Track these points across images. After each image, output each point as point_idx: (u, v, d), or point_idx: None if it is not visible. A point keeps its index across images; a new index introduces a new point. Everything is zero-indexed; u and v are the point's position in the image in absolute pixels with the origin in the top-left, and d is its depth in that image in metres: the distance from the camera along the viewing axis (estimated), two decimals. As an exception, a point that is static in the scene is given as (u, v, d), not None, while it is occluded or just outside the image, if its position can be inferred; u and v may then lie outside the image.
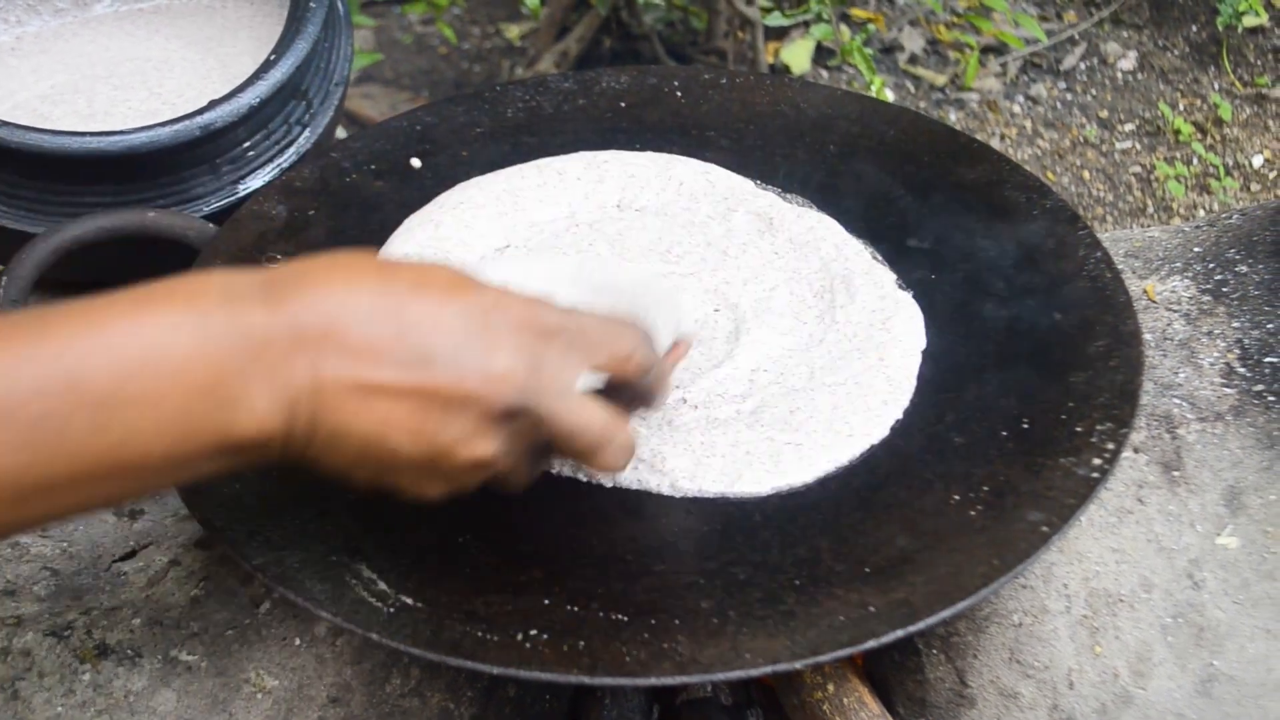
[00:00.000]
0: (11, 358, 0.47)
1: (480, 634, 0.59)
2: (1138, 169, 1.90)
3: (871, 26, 2.06)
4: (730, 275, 0.82)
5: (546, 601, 0.61)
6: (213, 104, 0.93)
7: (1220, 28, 2.01)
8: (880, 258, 0.83)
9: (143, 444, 0.49)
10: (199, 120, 0.92)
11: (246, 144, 0.97)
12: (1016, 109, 2.00)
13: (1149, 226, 1.39)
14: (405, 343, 0.52)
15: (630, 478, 0.68)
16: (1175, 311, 0.92)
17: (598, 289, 0.63)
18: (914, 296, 0.80)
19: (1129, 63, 2.08)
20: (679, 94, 0.99)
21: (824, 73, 1.99)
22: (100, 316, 0.49)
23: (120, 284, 0.54)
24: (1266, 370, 0.87)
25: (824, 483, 0.69)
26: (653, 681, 0.57)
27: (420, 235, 0.85)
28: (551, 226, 0.87)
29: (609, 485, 0.69)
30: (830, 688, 0.74)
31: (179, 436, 0.50)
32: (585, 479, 0.69)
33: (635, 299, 0.63)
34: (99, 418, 0.48)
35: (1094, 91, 2.03)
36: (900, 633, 0.58)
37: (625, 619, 0.60)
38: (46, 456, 0.47)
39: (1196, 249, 0.97)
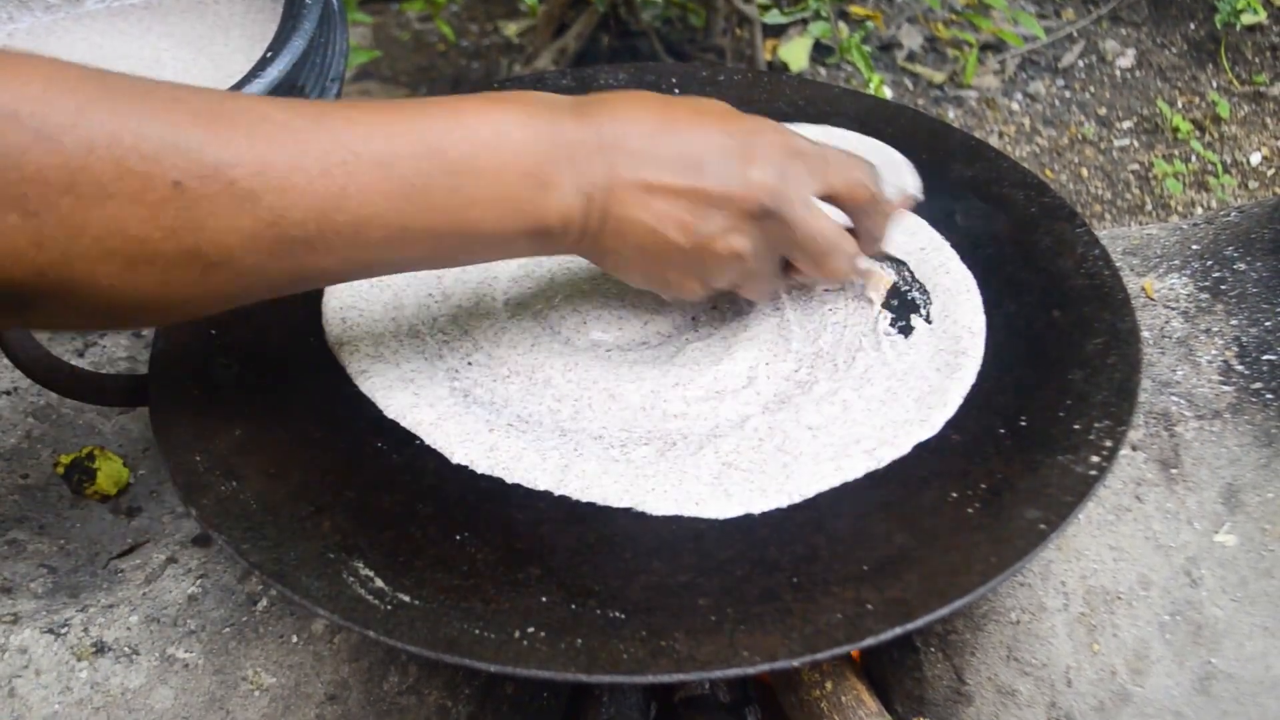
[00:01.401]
0: (390, 127, 0.59)
1: (477, 631, 0.59)
2: (1136, 166, 1.90)
3: (870, 24, 2.05)
4: None
5: (544, 599, 0.61)
6: (210, 101, 0.93)
7: (1219, 25, 2.01)
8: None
9: (480, 212, 0.61)
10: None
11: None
12: (1015, 106, 2.00)
13: (1147, 224, 1.39)
14: (682, 154, 0.64)
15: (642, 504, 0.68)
16: (1173, 309, 0.92)
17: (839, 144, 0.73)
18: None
19: (1127, 60, 2.08)
20: (677, 91, 0.99)
21: (822, 70, 1.99)
22: (458, 106, 0.61)
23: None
24: (1264, 368, 0.87)
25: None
26: (650, 679, 0.57)
27: None
28: None
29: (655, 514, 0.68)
30: (828, 685, 0.74)
31: (507, 210, 0.62)
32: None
33: (870, 156, 0.73)
34: (454, 182, 0.60)
35: (1092, 89, 2.03)
36: (898, 630, 0.58)
37: (622, 616, 0.60)
38: (415, 208, 0.59)
39: (1195, 246, 0.97)
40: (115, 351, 0.98)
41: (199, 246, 0.55)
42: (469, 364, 0.76)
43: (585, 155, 0.63)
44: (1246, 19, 1.99)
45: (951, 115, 1.97)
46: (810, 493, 0.67)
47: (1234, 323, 0.90)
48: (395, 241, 0.60)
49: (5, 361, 0.81)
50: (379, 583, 0.62)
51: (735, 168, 0.65)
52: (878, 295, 0.79)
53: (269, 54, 0.96)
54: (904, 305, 0.78)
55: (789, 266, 0.72)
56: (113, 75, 0.55)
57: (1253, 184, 1.86)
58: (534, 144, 0.62)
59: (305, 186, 0.56)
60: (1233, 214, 1.00)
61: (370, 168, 0.58)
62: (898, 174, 0.76)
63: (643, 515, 0.67)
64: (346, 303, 0.80)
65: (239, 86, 0.94)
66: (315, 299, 0.80)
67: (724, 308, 0.79)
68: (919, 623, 0.58)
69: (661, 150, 0.64)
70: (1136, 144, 1.93)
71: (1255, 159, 1.90)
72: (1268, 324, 0.89)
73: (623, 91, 0.67)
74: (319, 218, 0.57)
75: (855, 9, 2.06)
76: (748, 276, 0.69)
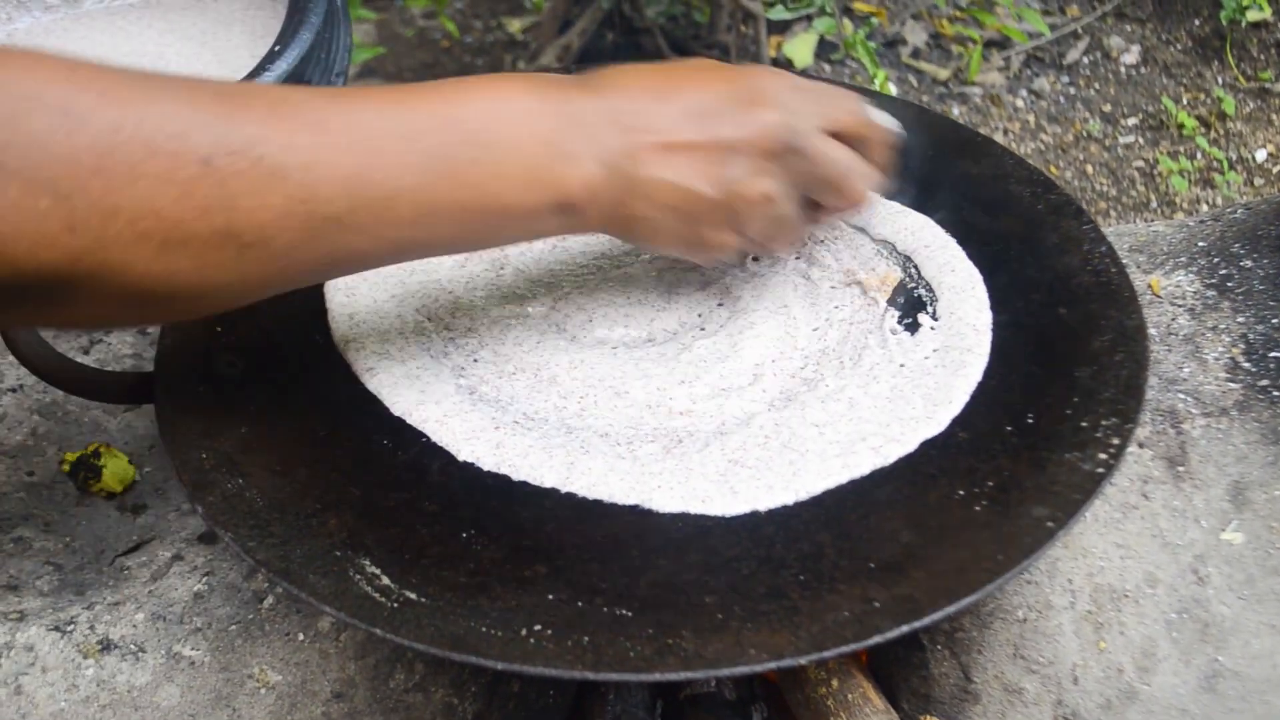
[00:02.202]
0: (410, 105, 0.60)
1: (484, 629, 0.59)
2: (1141, 163, 1.90)
3: (874, 20, 2.05)
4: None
5: (550, 597, 0.61)
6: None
7: (1224, 22, 2.01)
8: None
9: (504, 184, 0.62)
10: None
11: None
12: (1019, 103, 2.00)
13: (1153, 221, 1.39)
14: (692, 110, 0.65)
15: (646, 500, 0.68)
16: (1180, 306, 0.92)
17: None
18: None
19: (1132, 57, 2.07)
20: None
21: (826, 67, 1.99)
22: (467, 84, 0.63)
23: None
24: (1271, 365, 0.86)
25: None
26: (657, 677, 0.57)
27: None
28: None
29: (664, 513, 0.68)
30: (834, 683, 0.74)
31: (528, 183, 0.62)
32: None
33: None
34: (475, 153, 0.60)
35: (1097, 85, 2.03)
36: (905, 628, 0.58)
37: (629, 614, 0.60)
38: (439, 179, 0.60)
39: (1201, 243, 0.97)
40: (121, 349, 0.98)
41: (232, 226, 0.55)
42: (475, 361, 0.76)
43: (599, 124, 0.64)
44: (1252, 15, 1.99)
45: (956, 112, 1.96)
46: (817, 490, 0.67)
47: (1241, 320, 0.90)
48: (425, 218, 0.60)
49: (11, 359, 0.81)
50: (385, 580, 0.62)
51: (746, 113, 0.66)
52: (883, 294, 0.78)
53: (276, 48, 0.96)
54: (910, 303, 0.78)
55: (811, 209, 0.73)
56: (130, 68, 0.55)
57: (1258, 181, 1.86)
58: (547, 115, 0.63)
59: (331, 161, 0.57)
60: (1239, 211, 1.00)
61: (392, 141, 0.59)
62: (880, 114, 0.78)
63: (649, 513, 0.67)
64: (352, 299, 0.80)
65: (250, 79, 0.94)
66: (320, 296, 0.80)
67: (729, 305, 0.79)
68: (926, 620, 0.58)
69: (672, 111, 0.65)
70: (1141, 141, 1.93)
71: (1261, 155, 1.90)
72: (1274, 321, 0.89)
73: (619, 65, 0.68)
74: (347, 193, 0.57)
75: (860, 5, 2.06)
76: (777, 220, 0.70)
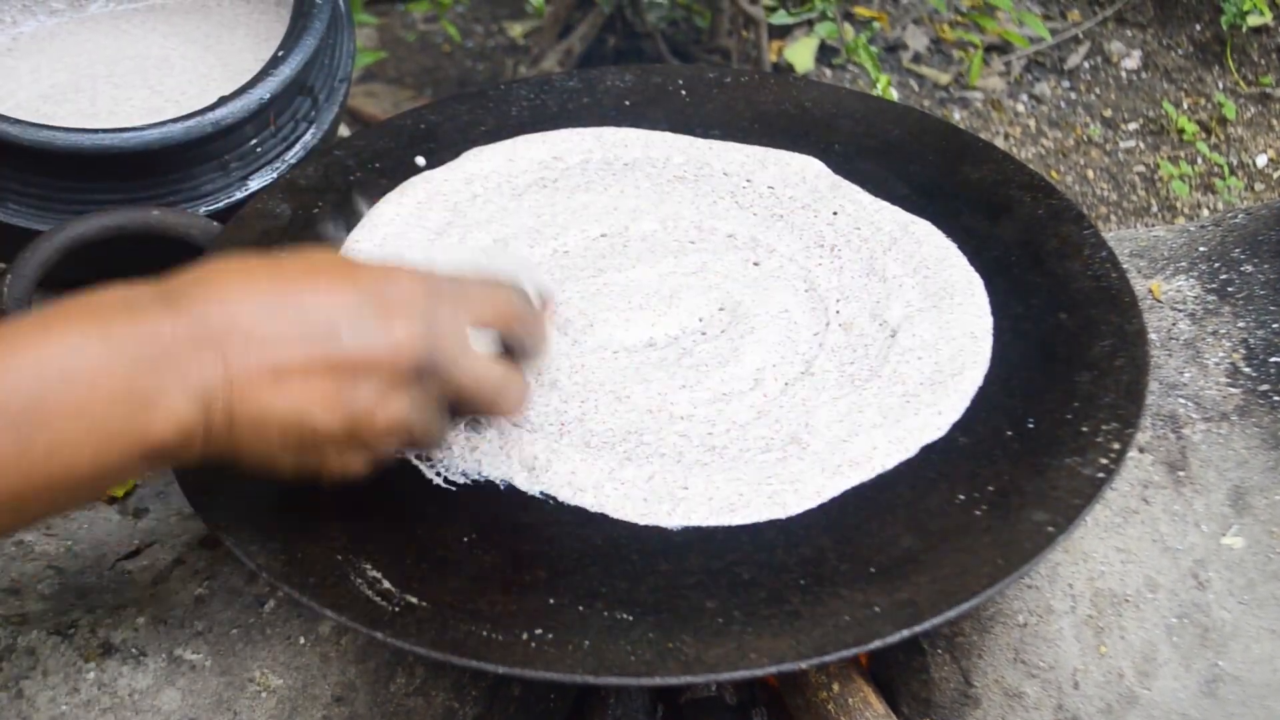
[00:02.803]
0: None
1: (485, 633, 0.59)
2: (1142, 168, 1.90)
3: (876, 25, 2.05)
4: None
5: (551, 601, 0.61)
6: (224, 100, 0.93)
7: (1224, 27, 2.01)
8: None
9: (68, 456, 0.51)
10: (211, 116, 0.92)
11: (254, 141, 0.97)
12: (1020, 108, 2.00)
13: (1154, 226, 1.39)
14: (309, 324, 0.56)
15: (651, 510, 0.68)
16: (1180, 311, 0.92)
17: (462, 264, 0.67)
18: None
19: (1133, 62, 2.07)
20: (683, 93, 0.99)
21: (828, 71, 1.99)
22: (8, 342, 0.52)
23: (125, 281, 0.54)
24: (1272, 370, 0.86)
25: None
26: (658, 681, 0.57)
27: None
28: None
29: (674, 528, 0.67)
30: (835, 687, 0.74)
31: (102, 444, 0.52)
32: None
33: (498, 267, 0.68)
34: (24, 434, 0.50)
35: (1098, 90, 2.03)
36: (905, 633, 0.58)
37: (630, 618, 0.60)
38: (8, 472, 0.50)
39: (1202, 248, 0.97)
40: (122, 352, 0.98)
41: None
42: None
43: (187, 354, 0.54)
44: (1252, 20, 1.99)
45: (957, 116, 1.96)
46: (818, 495, 0.67)
47: (1241, 325, 0.90)
48: None
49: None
50: (386, 584, 0.62)
51: (375, 327, 0.57)
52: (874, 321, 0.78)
53: (280, 52, 0.96)
54: (910, 307, 0.78)
55: (458, 409, 0.66)
56: None
57: (1259, 186, 1.86)
58: (116, 360, 0.52)
59: None
60: (1240, 216, 1.00)
61: None
62: (529, 272, 0.72)
63: (650, 518, 0.67)
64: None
65: (251, 85, 0.94)
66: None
67: (730, 309, 0.79)
68: (927, 625, 0.58)
69: (283, 324, 0.56)
70: (1142, 146, 1.93)
71: (1261, 161, 1.90)
72: (1275, 326, 0.89)
73: (216, 264, 0.58)
74: None
75: (860, 10, 2.06)
76: (414, 436, 0.63)
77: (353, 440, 0.59)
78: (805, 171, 0.89)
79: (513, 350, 0.67)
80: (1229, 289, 0.92)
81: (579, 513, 0.67)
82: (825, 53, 1.99)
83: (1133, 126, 1.97)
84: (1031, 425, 0.70)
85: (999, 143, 1.90)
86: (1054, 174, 1.88)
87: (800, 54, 1.91)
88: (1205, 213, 1.82)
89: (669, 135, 0.94)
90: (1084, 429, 0.68)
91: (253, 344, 0.55)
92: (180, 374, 0.53)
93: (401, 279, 0.60)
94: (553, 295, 0.73)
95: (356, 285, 0.59)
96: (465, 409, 0.65)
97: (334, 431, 0.58)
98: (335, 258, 0.61)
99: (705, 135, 0.95)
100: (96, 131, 0.90)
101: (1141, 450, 0.83)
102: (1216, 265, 0.95)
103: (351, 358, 0.57)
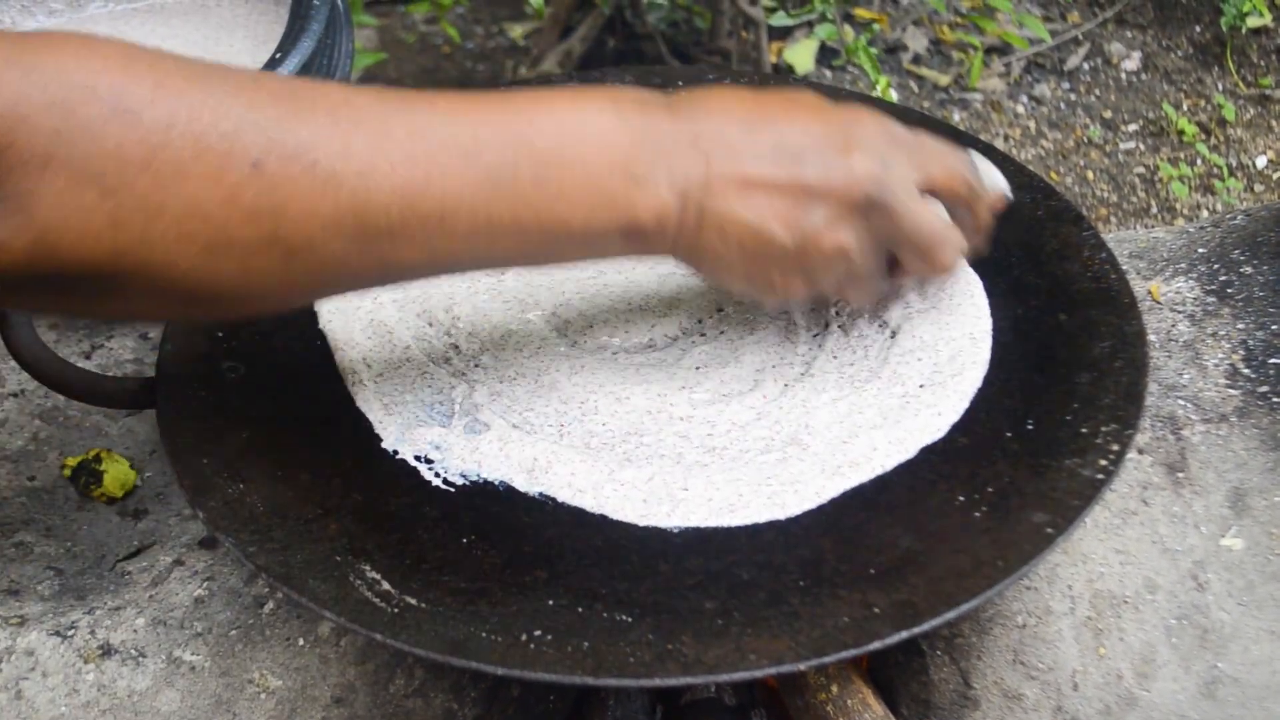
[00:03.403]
0: (475, 117, 0.57)
1: (484, 635, 0.59)
2: (1141, 169, 1.90)
3: (875, 26, 2.06)
4: None
5: (550, 602, 0.61)
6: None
7: (1224, 28, 2.01)
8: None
9: (568, 206, 0.59)
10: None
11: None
12: (1020, 109, 2.00)
13: (1153, 227, 1.39)
14: (780, 146, 0.62)
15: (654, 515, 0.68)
16: (1180, 312, 0.92)
17: None
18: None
19: (1133, 63, 2.08)
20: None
21: (828, 73, 1.99)
22: (545, 99, 0.60)
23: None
24: (1271, 372, 0.86)
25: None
26: (657, 683, 0.57)
27: None
28: None
29: (674, 530, 0.68)
30: (834, 689, 0.74)
31: (595, 206, 0.59)
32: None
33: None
34: (541, 172, 0.58)
35: (1098, 92, 2.03)
36: (904, 634, 0.58)
37: (629, 620, 0.60)
38: (500, 196, 0.57)
39: (1201, 250, 0.97)
40: (122, 354, 0.98)
41: (279, 232, 0.53)
42: (475, 365, 0.76)
43: (679, 150, 0.60)
44: (1252, 21, 1.99)
45: (957, 118, 1.97)
46: (817, 496, 0.67)
47: (1241, 326, 0.90)
48: (481, 234, 0.58)
49: (12, 363, 0.81)
50: (386, 585, 0.62)
51: (836, 158, 0.62)
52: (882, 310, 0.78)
53: (277, 55, 0.96)
54: (910, 308, 0.78)
55: (894, 265, 0.69)
56: (188, 58, 0.54)
57: (1259, 187, 1.86)
58: (624, 137, 0.59)
59: (389, 171, 0.55)
60: (1239, 217, 1.00)
61: (455, 155, 0.56)
62: (987, 171, 0.74)
63: (649, 519, 0.67)
64: (354, 302, 0.80)
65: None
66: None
67: (729, 310, 0.79)
68: (926, 626, 0.58)
69: (758, 143, 0.61)
70: (1142, 147, 1.93)
71: (1261, 162, 1.90)
72: (1274, 327, 0.89)
73: (714, 87, 0.65)
74: (403, 205, 0.55)
75: (860, 12, 2.06)
76: (852, 275, 0.66)
77: (799, 260, 0.63)
78: None
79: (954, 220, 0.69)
80: (1228, 290, 0.93)
81: (578, 514, 0.67)
82: (825, 54, 1.99)
83: (1132, 128, 1.97)
84: (1031, 426, 0.70)
85: (999, 144, 1.91)
86: (1053, 175, 1.88)
87: (800, 56, 1.92)
88: (1205, 214, 1.82)
89: None
90: (1083, 430, 0.68)
91: (732, 154, 0.61)
92: (669, 165, 0.60)
93: (868, 122, 0.65)
94: (1006, 191, 0.75)
95: (826, 121, 0.64)
96: (904, 256, 0.68)
97: (785, 245, 0.62)
98: (811, 95, 0.66)
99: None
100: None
101: (1141, 452, 0.84)
102: (1216, 267, 0.95)
103: (812, 183, 0.62)
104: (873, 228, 0.64)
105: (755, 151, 0.61)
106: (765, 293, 0.65)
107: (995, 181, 0.74)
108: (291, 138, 0.53)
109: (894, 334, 0.76)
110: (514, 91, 0.60)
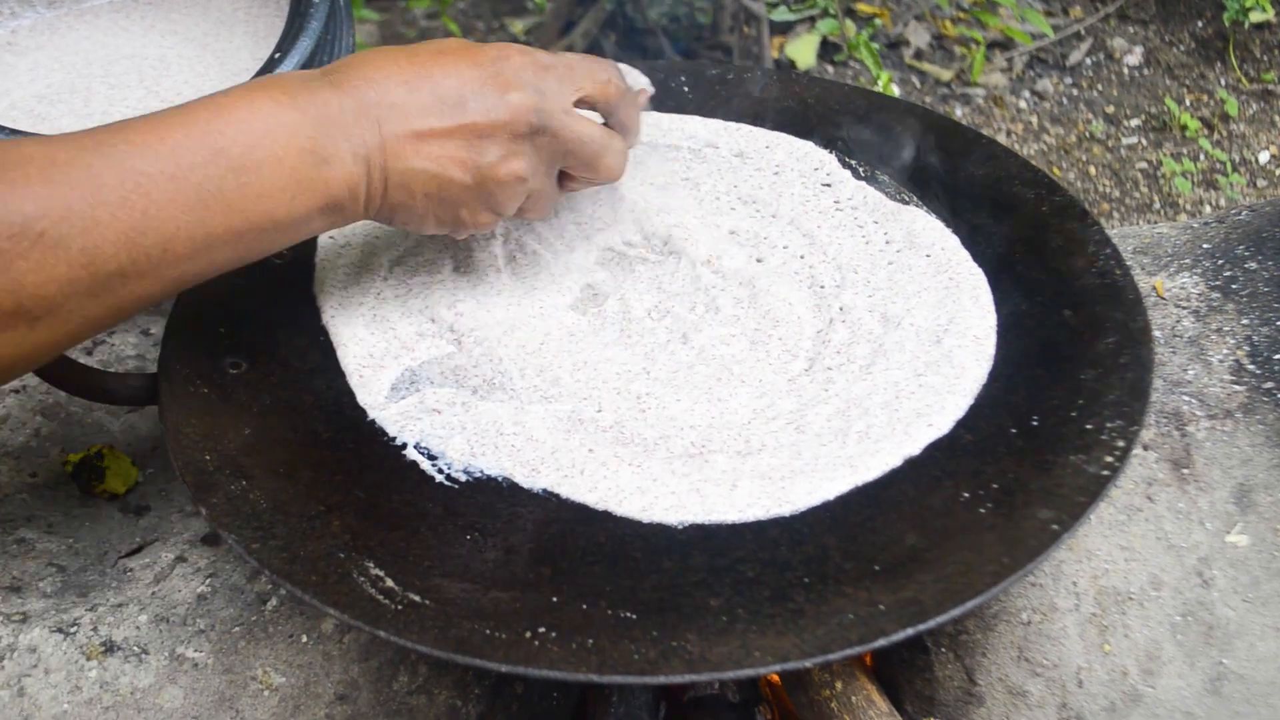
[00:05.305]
0: (174, 139, 0.61)
1: (488, 631, 0.59)
2: (1144, 165, 1.89)
3: (877, 21, 2.05)
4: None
5: (554, 599, 0.61)
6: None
7: (1227, 23, 2.00)
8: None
9: (273, 201, 0.63)
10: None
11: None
12: (1023, 104, 1.99)
13: (1157, 223, 1.39)
14: (441, 96, 0.67)
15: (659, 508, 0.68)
16: (1184, 308, 0.92)
17: None
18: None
19: (1135, 58, 2.07)
20: (685, 89, 0.99)
21: (829, 68, 1.99)
22: (224, 105, 0.63)
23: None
24: (1276, 367, 0.86)
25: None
26: (662, 680, 0.57)
27: None
28: None
29: (676, 526, 0.67)
30: (838, 685, 0.73)
31: (295, 192, 0.64)
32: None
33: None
34: (242, 178, 0.62)
35: (1100, 87, 2.03)
36: (909, 631, 0.57)
37: (633, 617, 0.60)
38: (211, 211, 0.61)
39: (1205, 245, 0.97)
40: (124, 350, 0.98)
41: (21, 305, 0.57)
42: (480, 364, 0.76)
43: (352, 121, 0.65)
44: (1255, 16, 1.99)
45: (959, 113, 1.96)
46: (823, 493, 0.67)
47: (1245, 322, 0.90)
48: (201, 250, 0.62)
49: (14, 360, 0.81)
50: (389, 582, 0.62)
51: (495, 96, 0.68)
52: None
53: (277, 54, 0.95)
54: (912, 308, 0.78)
55: (564, 178, 0.76)
56: None
57: (1261, 182, 1.86)
58: (304, 124, 0.64)
59: (109, 220, 0.58)
60: (1243, 213, 1.00)
61: (163, 183, 0.60)
62: (630, 73, 0.81)
63: (653, 515, 0.66)
64: (347, 298, 0.80)
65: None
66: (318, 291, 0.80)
67: (734, 308, 0.79)
68: (931, 624, 0.58)
69: (421, 98, 0.67)
70: (1144, 142, 1.93)
71: (1264, 157, 1.90)
72: (1279, 323, 0.89)
73: (364, 52, 0.70)
74: (129, 246, 0.59)
75: (862, 6, 2.06)
76: (532, 196, 0.72)
77: (482, 194, 0.70)
78: (808, 165, 0.89)
79: (610, 126, 0.76)
80: (1233, 286, 0.92)
81: (582, 510, 0.67)
82: (827, 49, 1.99)
83: (1135, 123, 1.96)
84: (1036, 422, 0.69)
85: (1001, 139, 1.90)
86: (1056, 170, 1.88)
87: (802, 50, 1.91)
88: (1208, 209, 1.81)
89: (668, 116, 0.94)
90: (1088, 426, 0.68)
91: (400, 114, 0.66)
92: (347, 138, 0.65)
93: (514, 56, 0.70)
94: (648, 85, 0.82)
95: (478, 64, 0.69)
96: (573, 170, 0.74)
97: (467, 185, 0.68)
98: (459, 41, 0.71)
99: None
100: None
101: (1146, 448, 0.83)
102: (1220, 262, 0.95)
103: (478, 123, 0.67)
104: (541, 151, 0.71)
105: (420, 107, 0.67)
106: (457, 230, 0.72)
107: (638, 80, 0.81)
108: (16, 215, 0.56)
109: (898, 330, 0.76)
110: (195, 104, 0.64)
